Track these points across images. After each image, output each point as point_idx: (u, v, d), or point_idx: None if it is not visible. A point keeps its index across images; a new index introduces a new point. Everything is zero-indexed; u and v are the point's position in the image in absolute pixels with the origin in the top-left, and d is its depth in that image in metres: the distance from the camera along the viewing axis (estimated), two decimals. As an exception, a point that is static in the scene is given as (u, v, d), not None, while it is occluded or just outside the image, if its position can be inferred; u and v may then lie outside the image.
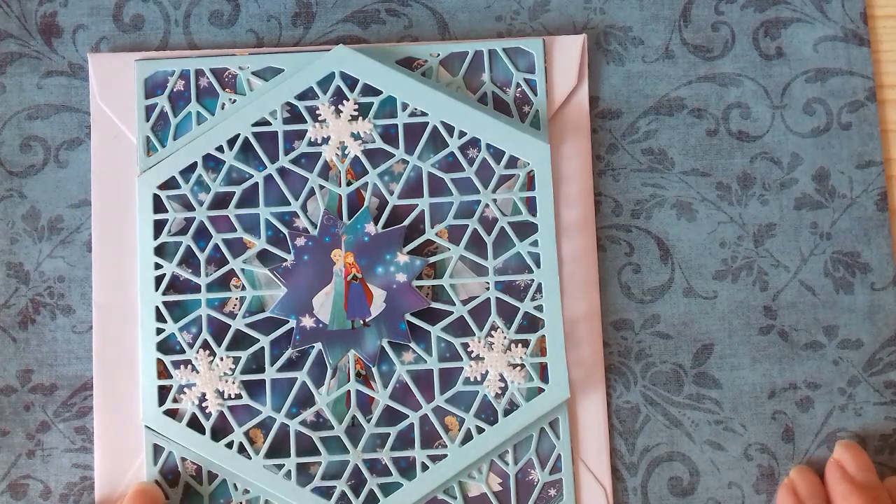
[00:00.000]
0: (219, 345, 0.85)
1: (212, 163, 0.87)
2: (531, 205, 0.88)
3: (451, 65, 0.90)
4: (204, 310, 0.86)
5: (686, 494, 0.88)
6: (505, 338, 0.86)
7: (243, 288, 0.87)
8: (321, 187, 0.87)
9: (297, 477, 0.85)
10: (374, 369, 0.86)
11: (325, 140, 0.87)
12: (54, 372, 0.87)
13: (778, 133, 0.91)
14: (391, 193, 0.87)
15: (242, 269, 0.87)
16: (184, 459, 0.85)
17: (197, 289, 0.86)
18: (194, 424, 0.85)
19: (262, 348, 0.85)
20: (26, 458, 0.87)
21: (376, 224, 0.86)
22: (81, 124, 0.90)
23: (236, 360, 0.85)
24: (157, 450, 0.85)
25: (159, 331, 0.86)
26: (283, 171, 0.87)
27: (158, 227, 0.87)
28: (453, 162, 0.88)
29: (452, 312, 0.86)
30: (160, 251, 0.86)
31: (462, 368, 0.86)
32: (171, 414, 0.85)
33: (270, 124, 0.87)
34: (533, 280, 0.87)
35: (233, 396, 0.85)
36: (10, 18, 0.91)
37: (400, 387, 0.86)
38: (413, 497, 0.85)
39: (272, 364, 0.85)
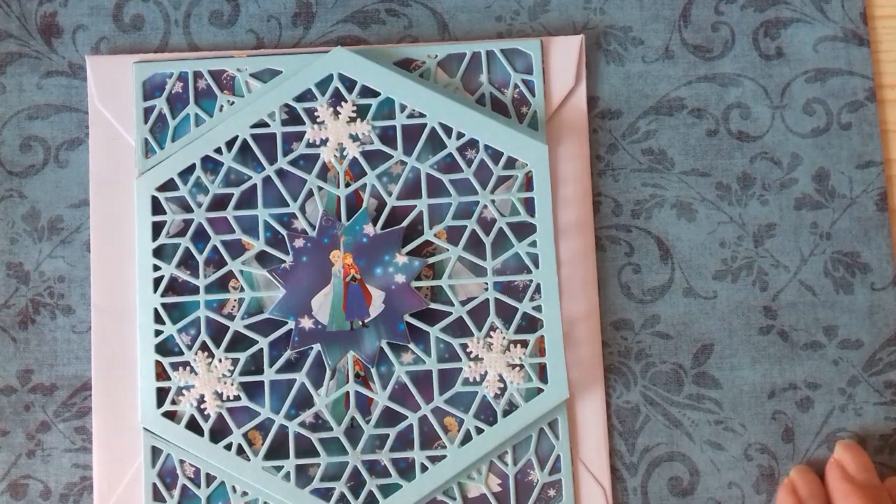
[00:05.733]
0: (217, 346, 0.85)
1: (210, 164, 0.88)
2: (529, 205, 0.88)
3: (449, 66, 0.90)
4: (202, 311, 0.86)
5: (686, 494, 0.88)
6: (504, 338, 0.86)
7: (242, 289, 0.87)
8: (319, 189, 0.87)
9: (296, 478, 0.85)
10: (373, 370, 0.86)
11: (324, 141, 0.87)
12: (54, 372, 0.88)
13: (778, 133, 0.91)
14: (390, 194, 0.87)
15: (241, 271, 0.87)
16: (182, 461, 0.85)
17: (195, 290, 0.86)
18: (193, 426, 0.85)
19: (261, 350, 0.85)
20: (26, 458, 0.87)
21: (375, 225, 0.86)
22: (81, 124, 0.90)
23: (235, 362, 0.85)
24: (156, 452, 0.85)
25: (158, 332, 0.86)
26: (281, 173, 0.87)
27: (157, 228, 0.87)
28: (451, 163, 0.88)
29: (451, 313, 0.86)
30: (159, 253, 0.87)
31: (461, 369, 0.86)
32: (170, 416, 0.85)
33: (269, 126, 0.87)
34: (532, 280, 0.87)
35: (231, 398, 0.85)
36: (10, 18, 0.91)
37: (399, 388, 0.86)
38: (412, 498, 0.85)
39: (271, 365, 0.85)
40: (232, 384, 0.85)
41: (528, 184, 0.88)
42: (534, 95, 0.89)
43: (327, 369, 0.86)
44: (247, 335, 0.86)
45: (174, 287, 0.87)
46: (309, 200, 0.88)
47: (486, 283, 0.87)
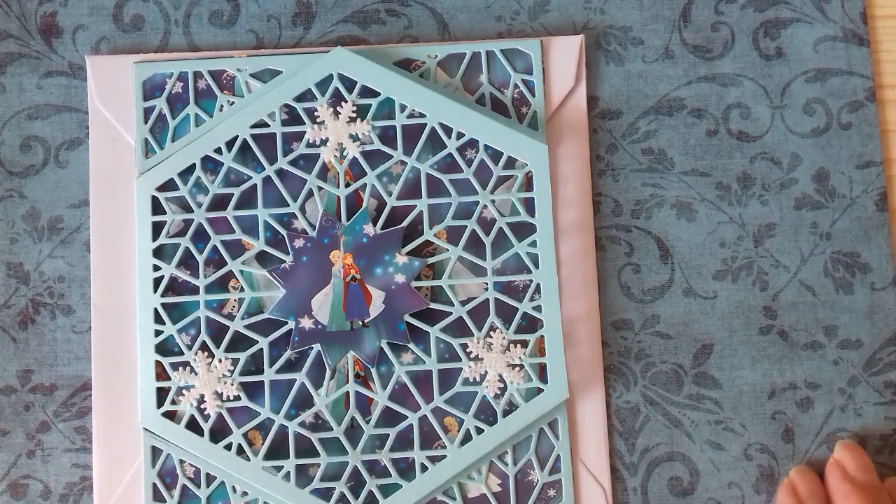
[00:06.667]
0: (217, 346, 0.85)
1: (210, 164, 0.88)
2: (529, 205, 0.88)
3: (449, 66, 0.90)
4: (202, 311, 0.86)
5: (686, 494, 0.88)
6: (504, 338, 0.86)
7: (242, 289, 0.87)
8: (319, 189, 0.87)
9: (296, 478, 0.85)
10: (373, 370, 0.86)
11: (324, 142, 0.87)
12: (54, 372, 0.88)
13: (778, 133, 0.91)
14: (390, 194, 0.87)
15: (241, 271, 0.87)
16: (182, 461, 0.85)
17: (195, 290, 0.86)
18: (193, 426, 0.85)
19: (261, 350, 0.85)
20: (26, 458, 0.87)
21: (375, 225, 0.86)
22: (81, 124, 0.90)
23: (235, 362, 0.85)
24: (156, 452, 0.85)
25: (158, 332, 0.86)
26: (281, 173, 0.87)
27: (157, 228, 0.87)
28: (451, 163, 0.88)
29: (451, 313, 0.86)
30: (159, 253, 0.87)
31: (461, 369, 0.86)
32: (170, 416, 0.85)
33: (269, 126, 0.87)
34: (531, 280, 0.87)
35: (231, 398, 0.85)
36: (10, 18, 0.91)
37: (399, 388, 0.86)
38: (412, 498, 0.85)
39: (271, 365, 0.85)
40: (232, 384, 0.85)
41: (528, 184, 0.88)
42: (534, 95, 0.89)
43: (327, 369, 0.86)
44: (247, 335, 0.86)
45: (174, 287, 0.87)
46: (309, 200, 0.88)
47: (486, 283, 0.87)
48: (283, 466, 0.85)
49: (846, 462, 0.86)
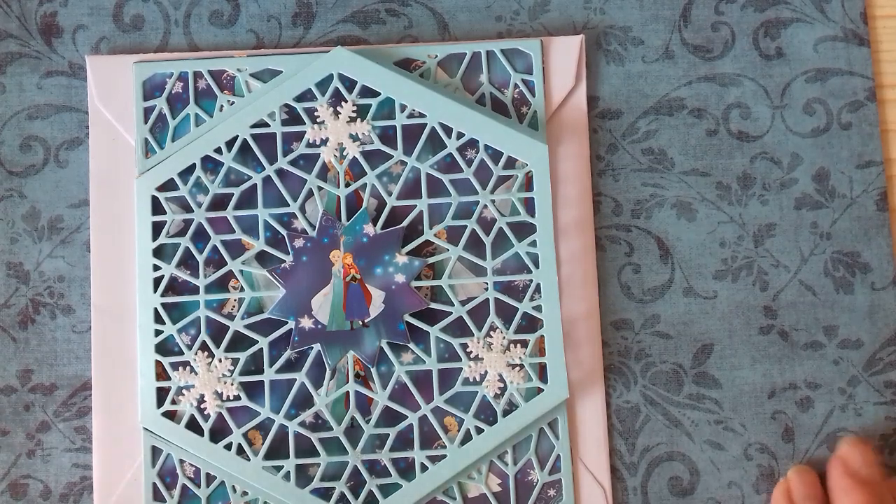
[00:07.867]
0: (217, 346, 0.85)
1: (210, 164, 0.88)
2: (529, 205, 0.88)
3: (449, 66, 0.90)
4: (202, 311, 0.86)
5: (686, 494, 0.88)
6: (504, 338, 0.86)
7: (242, 289, 0.87)
8: (319, 188, 0.87)
9: (296, 478, 0.85)
10: (373, 370, 0.86)
11: (324, 141, 0.87)
12: (54, 372, 0.88)
13: (778, 133, 0.91)
14: (390, 194, 0.87)
15: (241, 271, 0.87)
16: (182, 461, 0.85)
17: (195, 290, 0.86)
18: (193, 426, 0.85)
19: (261, 349, 0.85)
20: (26, 458, 0.87)
21: (375, 225, 0.86)
22: (81, 124, 0.90)
23: (235, 362, 0.85)
24: (156, 451, 0.85)
25: (158, 332, 0.86)
26: (281, 173, 0.87)
27: (157, 228, 0.87)
28: (451, 163, 0.88)
29: (451, 313, 0.86)
30: (159, 253, 0.87)
31: (461, 369, 0.86)
32: (170, 415, 0.85)
33: (269, 126, 0.87)
34: (532, 280, 0.87)
35: (231, 398, 0.85)
36: (10, 18, 0.91)
37: (399, 387, 0.86)
38: (412, 498, 0.85)
39: (271, 365, 0.85)
40: (232, 384, 0.85)
41: (528, 184, 0.88)
42: (534, 95, 0.89)
43: (327, 369, 0.86)
44: (247, 335, 0.86)
45: (174, 287, 0.87)
46: (309, 200, 0.88)
47: (486, 283, 0.87)
48: (283, 466, 0.85)
49: (850, 457, 0.86)
